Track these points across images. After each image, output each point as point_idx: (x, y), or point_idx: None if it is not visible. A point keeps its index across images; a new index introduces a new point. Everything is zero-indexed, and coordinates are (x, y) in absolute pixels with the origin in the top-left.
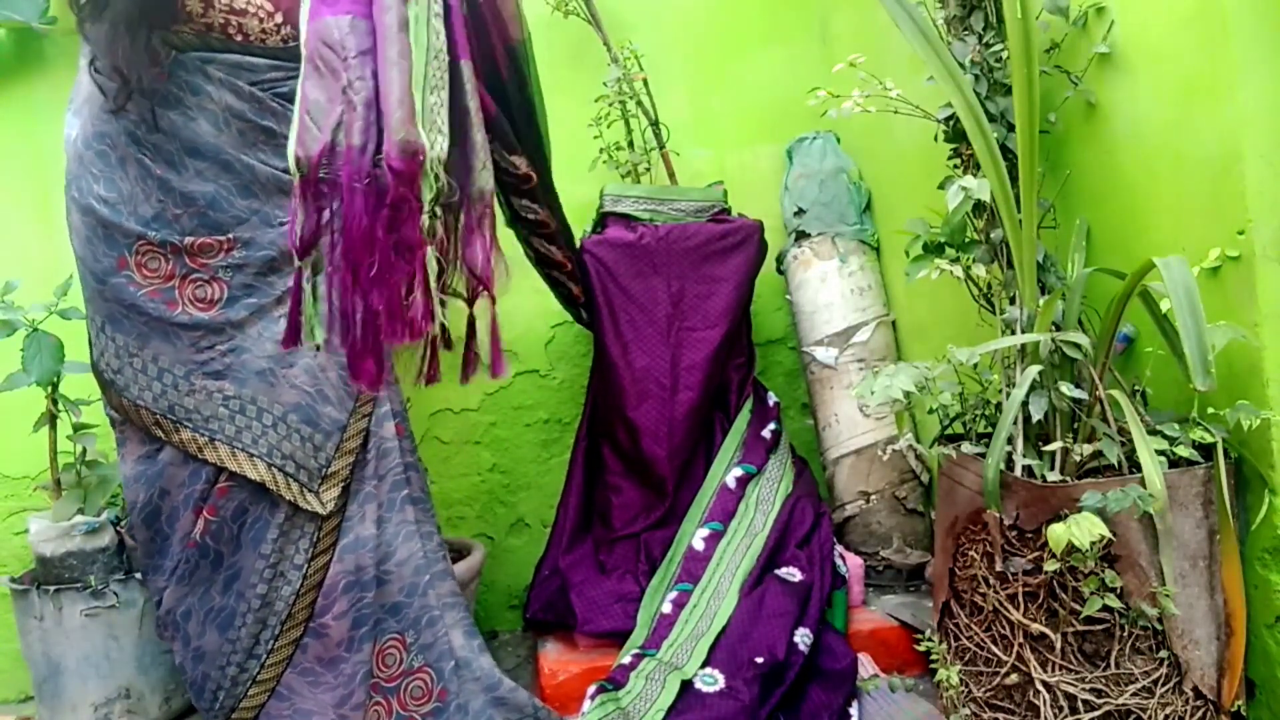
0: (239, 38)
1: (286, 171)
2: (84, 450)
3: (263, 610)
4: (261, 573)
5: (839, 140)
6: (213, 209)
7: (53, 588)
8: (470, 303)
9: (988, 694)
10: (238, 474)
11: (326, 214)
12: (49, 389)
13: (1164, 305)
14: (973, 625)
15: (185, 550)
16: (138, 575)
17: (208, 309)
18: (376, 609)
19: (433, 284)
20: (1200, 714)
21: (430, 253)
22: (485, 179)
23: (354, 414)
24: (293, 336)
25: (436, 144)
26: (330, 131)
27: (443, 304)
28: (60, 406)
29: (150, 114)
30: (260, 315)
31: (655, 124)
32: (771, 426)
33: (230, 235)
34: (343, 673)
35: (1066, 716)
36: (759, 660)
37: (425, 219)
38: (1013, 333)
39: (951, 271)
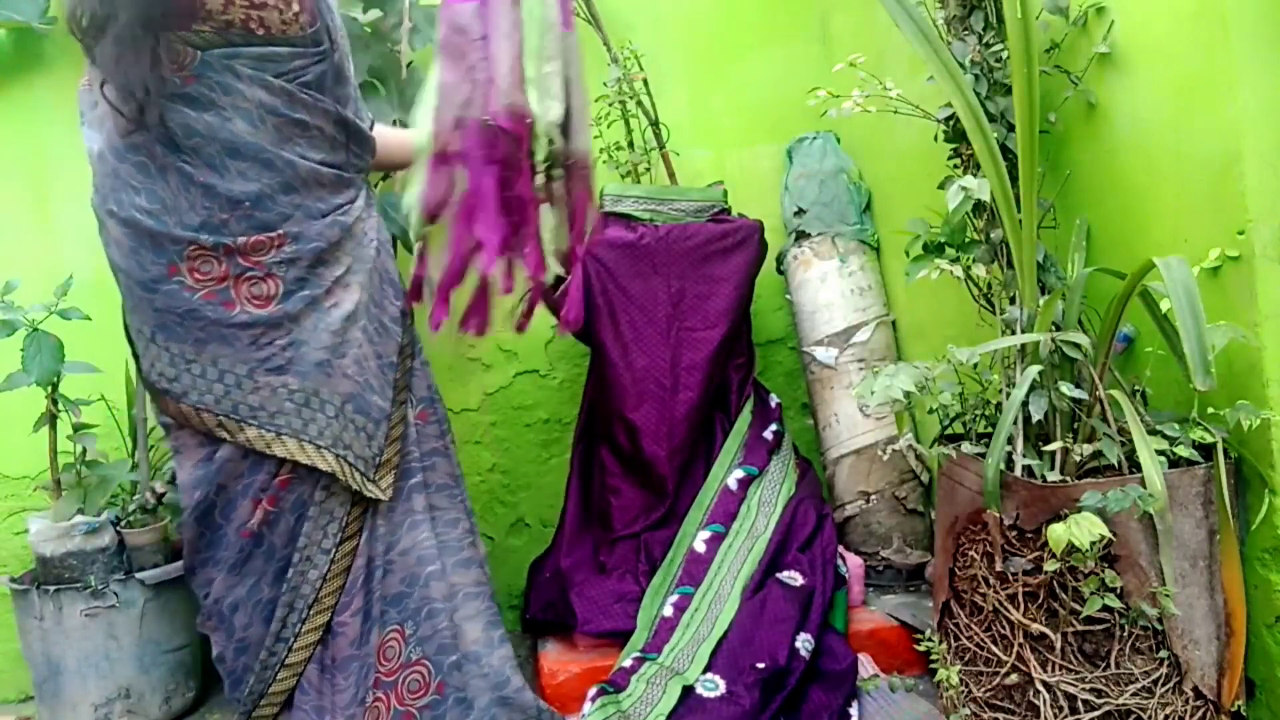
0: (260, 31)
1: (324, 164)
2: (84, 450)
3: (289, 594)
4: (291, 558)
5: (839, 140)
6: (259, 209)
7: (53, 588)
8: (569, 257)
9: (988, 694)
10: (300, 466)
11: (450, 182)
12: (49, 389)
13: (1164, 305)
14: (973, 625)
15: (240, 540)
16: (138, 575)
17: (265, 305)
18: (379, 600)
19: (546, 237)
20: (1200, 714)
21: (543, 209)
22: (586, 141)
23: (394, 402)
24: (416, 293)
25: (551, 110)
26: (458, 108)
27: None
28: (60, 406)
29: (183, 119)
30: (314, 307)
31: (655, 124)
32: (773, 428)
33: (280, 231)
34: (352, 671)
35: (1066, 716)
36: (760, 665)
37: (539, 178)
38: (1013, 333)
39: (951, 271)
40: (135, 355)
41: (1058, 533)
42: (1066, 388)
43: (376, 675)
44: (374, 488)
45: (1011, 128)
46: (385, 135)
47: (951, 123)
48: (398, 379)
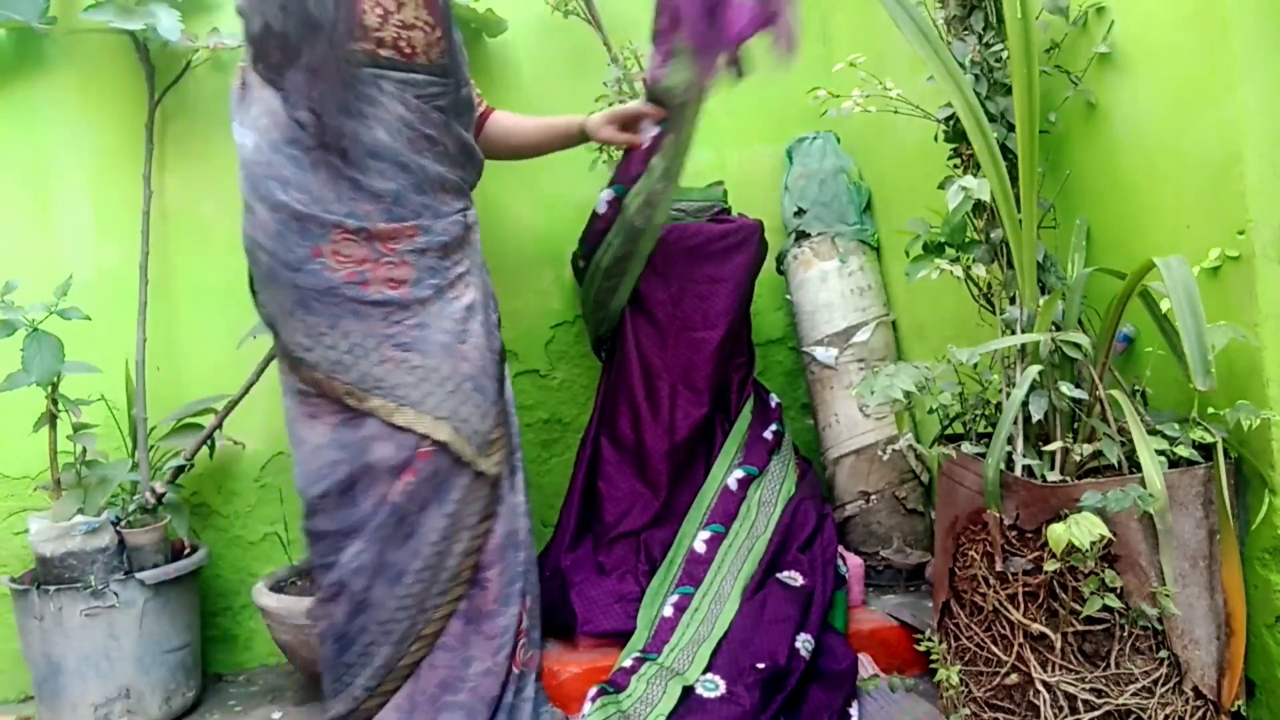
0: (407, 50)
1: (448, 172)
2: (84, 450)
3: (436, 567)
4: (443, 530)
5: (839, 140)
6: (397, 204)
7: (53, 588)
8: None
9: (988, 694)
10: (436, 442)
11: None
12: (49, 389)
13: (1164, 305)
14: (973, 625)
15: (378, 509)
16: (138, 575)
17: (398, 288)
18: (523, 570)
19: None
20: (1200, 714)
21: None
22: None
23: (499, 388)
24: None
25: None
26: None
27: None
28: (60, 406)
29: (339, 128)
30: (439, 296)
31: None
32: (773, 428)
33: (413, 224)
34: (498, 624)
35: (1066, 716)
36: (760, 666)
37: None
38: (1013, 333)
39: (951, 271)
40: (272, 329)
41: (1058, 533)
42: (1066, 388)
43: (519, 634)
44: (485, 462)
45: (1011, 128)
46: (513, 121)
47: (951, 123)
48: (501, 370)
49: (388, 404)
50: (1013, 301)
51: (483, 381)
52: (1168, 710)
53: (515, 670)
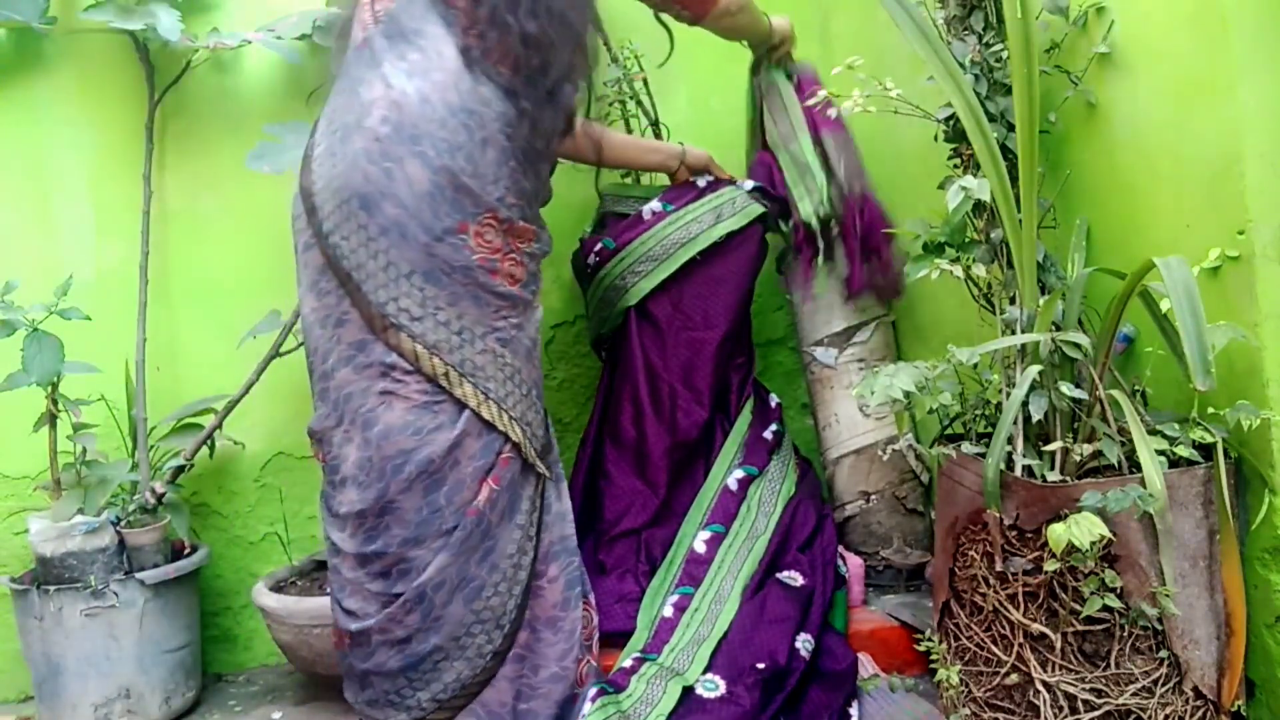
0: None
1: (544, 189)
2: (84, 450)
3: (513, 580)
4: (519, 542)
5: None
6: (530, 205)
7: (53, 588)
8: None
9: (988, 694)
10: (511, 444)
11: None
12: (49, 389)
13: (1164, 305)
14: (973, 625)
15: (465, 519)
16: (138, 575)
17: (513, 284)
18: (580, 573)
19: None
20: (1200, 714)
21: None
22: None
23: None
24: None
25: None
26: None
27: None
28: (60, 406)
29: (549, 130)
30: (532, 303)
31: (655, 124)
32: (773, 428)
33: (536, 228)
34: (562, 629)
35: (1066, 716)
36: (760, 666)
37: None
38: (1013, 333)
39: (951, 271)
40: (358, 289)
41: (1058, 533)
42: (1066, 388)
43: (582, 638)
44: (541, 465)
45: (1011, 128)
46: (619, 139)
47: (951, 123)
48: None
49: (478, 393)
50: (1013, 301)
51: (541, 390)
52: (1168, 710)
53: (594, 663)
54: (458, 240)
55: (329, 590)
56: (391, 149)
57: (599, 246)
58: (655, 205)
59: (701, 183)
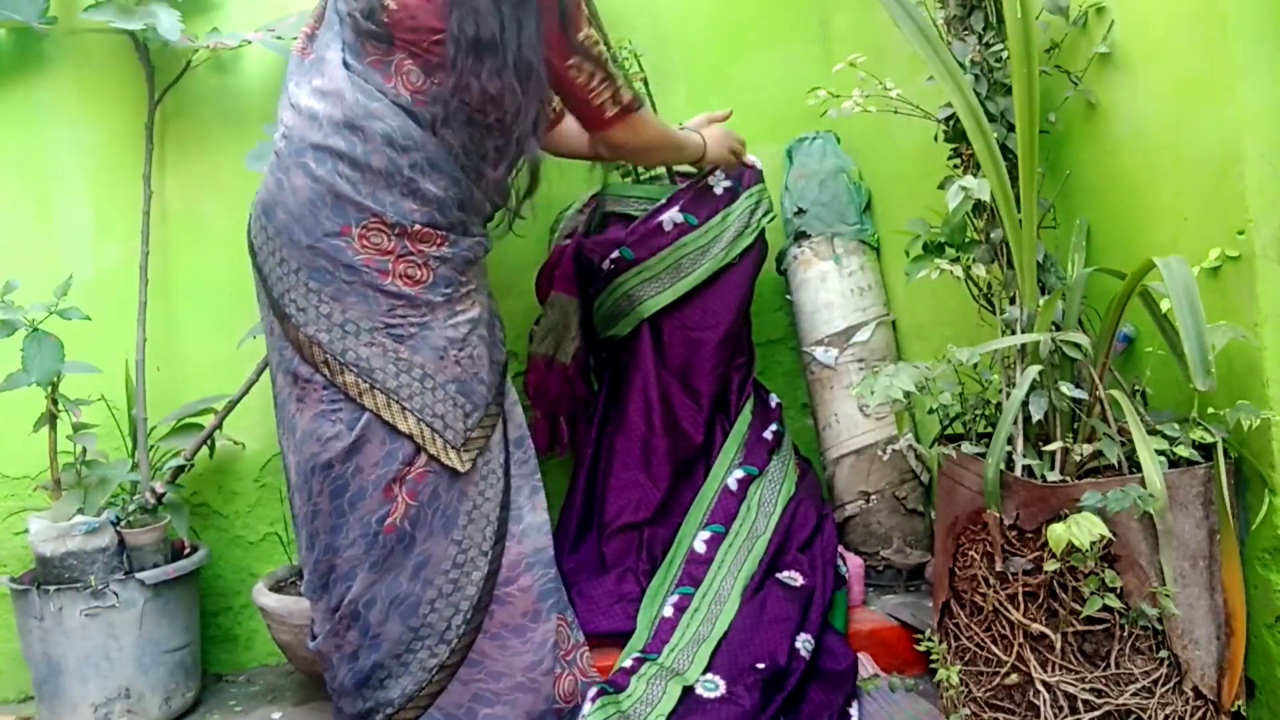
0: (488, 111)
1: (485, 200)
2: (84, 450)
3: (455, 595)
4: (454, 558)
5: (839, 140)
6: (438, 211)
7: (53, 588)
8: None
9: (988, 694)
10: (433, 460)
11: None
12: (49, 389)
13: (1164, 305)
14: (973, 625)
15: (384, 536)
16: (138, 575)
17: (411, 285)
18: (555, 586)
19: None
20: (1200, 714)
21: None
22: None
23: (495, 397)
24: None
25: None
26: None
27: None
28: (60, 406)
29: (405, 127)
30: (448, 305)
31: None
32: (774, 428)
33: (445, 233)
34: (531, 640)
35: (1066, 716)
36: (760, 666)
37: None
38: (1013, 333)
39: (951, 271)
40: (261, 278)
41: (1058, 533)
42: (1066, 388)
43: (560, 651)
44: (455, 456)
45: (1011, 128)
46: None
47: (951, 123)
48: (500, 382)
49: (360, 382)
50: (1013, 301)
51: (473, 386)
52: (1168, 710)
53: (584, 679)
54: (340, 242)
55: None
56: (287, 165)
57: (615, 255)
58: (676, 216)
59: (719, 189)
